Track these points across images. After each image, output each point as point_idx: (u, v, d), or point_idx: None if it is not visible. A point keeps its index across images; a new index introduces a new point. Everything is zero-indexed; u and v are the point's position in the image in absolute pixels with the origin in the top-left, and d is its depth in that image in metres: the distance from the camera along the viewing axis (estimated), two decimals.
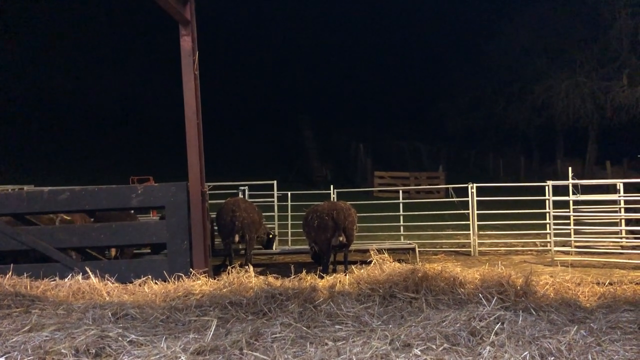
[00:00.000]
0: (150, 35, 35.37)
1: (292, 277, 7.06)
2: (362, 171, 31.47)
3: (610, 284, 7.22)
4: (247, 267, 7.41)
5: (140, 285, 7.11)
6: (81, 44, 36.52)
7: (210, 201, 9.31)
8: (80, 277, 7.16)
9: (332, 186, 14.02)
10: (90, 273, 7.24)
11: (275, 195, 13.69)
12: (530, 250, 12.58)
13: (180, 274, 7.32)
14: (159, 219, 9.93)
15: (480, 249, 12.65)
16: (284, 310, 5.57)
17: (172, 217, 8.10)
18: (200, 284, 6.71)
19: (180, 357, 4.09)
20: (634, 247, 11.35)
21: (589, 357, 3.88)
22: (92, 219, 9.86)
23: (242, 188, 13.48)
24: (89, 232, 8.48)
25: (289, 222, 13.75)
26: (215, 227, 10.56)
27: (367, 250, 8.78)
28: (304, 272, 7.47)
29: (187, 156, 8.22)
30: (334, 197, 13.51)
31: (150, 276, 7.30)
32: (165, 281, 7.19)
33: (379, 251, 7.94)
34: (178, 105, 8.65)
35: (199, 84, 8.44)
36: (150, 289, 6.86)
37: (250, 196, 13.32)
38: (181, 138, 8.57)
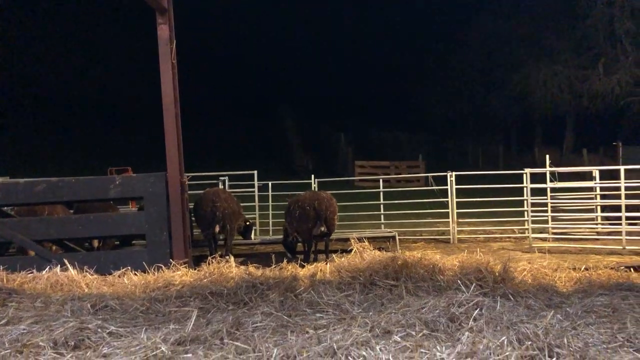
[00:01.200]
0: (128, 23, 34.83)
1: (273, 266, 7.07)
2: (343, 161, 31.52)
3: (586, 269, 7.36)
4: (227, 257, 7.39)
5: (119, 276, 7.05)
6: (56, 33, 35.80)
7: (189, 192, 9.25)
8: (58, 269, 7.07)
9: (313, 176, 14.01)
10: (68, 265, 7.16)
11: (256, 185, 13.64)
12: (509, 237, 12.74)
13: (160, 265, 7.28)
14: (138, 210, 9.85)
15: (460, 236, 12.78)
16: (265, 299, 5.58)
17: (151, 207, 8.04)
18: (180, 274, 6.69)
19: (160, 348, 4.07)
20: (609, 233, 11.55)
21: (565, 340, 3.95)
22: (71, 211, 9.74)
23: (222, 178, 13.41)
24: (67, 224, 8.37)
25: (270, 212, 13.72)
26: (193, 218, 10.50)
27: (348, 239, 8.81)
28: (285, 261, 7.48)
29: (166, 146, 8.15)
30: (315, 187, 13.52)
31: (129, 267, 7.25)
32: (145, 272, 7.15)
33: (360, 240, 7.99)
34: (156, 95, 8.55)
35: (177, 73, 8.35)
36: (130, 280, 6.82)
37: (231, 186, 13.27)
38: (160, 128, 8.48)
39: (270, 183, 13.82)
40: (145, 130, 27.49)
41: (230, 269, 6.68)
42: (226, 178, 13.47)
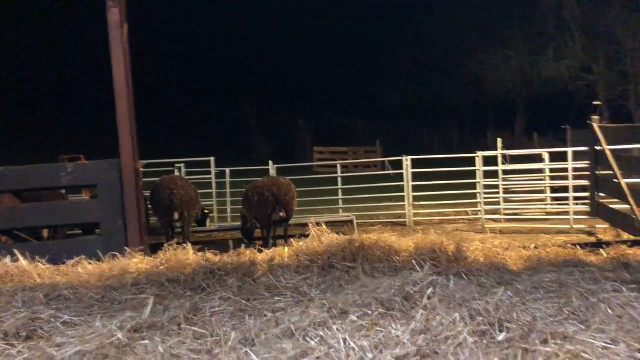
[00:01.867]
0: (77, 7, 33.65)
1: (231, 252, 7.04)
2: (302, 147, 31.55)
3: (535, 248, 7.61)
4: (185, 245, 7.32)
5: (73, 266, 6.88)
6: (5, 21, 34.33)
7: (145, 179, 9.10)
8: (8, 260, 6.85)
9: (271, 162, 13.99)
10: (19, 255, 6.95)
11: (213, 172, 13.53)
12: (463, 219, 13.08)
13: (116, 254, 7.14)
14: (91, 198, 9.63)
15: (416, 219, 13.05)
16: (222, 285, 5.57)
17: (104, 195, 7.86)
18: (136, 262, 6.58)
19: (116, 335, 4.02)
20: (558, 213, 11.99)
21: (514, 315, 4.10)
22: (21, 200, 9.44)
23: (179, 165, 13.24)
24: (16, 214, 8.11)
25: (228, 198, 13.65)
26: (150, 206, 10.34)
27: (307, 225, 8.87)
28: (243, 247, 7.46)
29: (119, 133, 7.97)
30: (273, 173, 13.50)
31: (83, 257, 7.09)
32: (99, 261, 7.00)
33: (318, 224, 8.04)
34: (109, 81, 8.33)
35: (130, 58, 8.15)
36: (84, 269, 6.66)
37: (187, 174, 13.12)
38: (113, 115, 8.27)
39: (227, 170, 13.74)
40: (97, 118, 26.77)
41: (188, 255, 6.61)
42: (182, 165, 13.31)
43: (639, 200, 8.84)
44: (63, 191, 10.48)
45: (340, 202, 14.04)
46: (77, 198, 12.00)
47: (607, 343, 3.70)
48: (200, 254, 6.80)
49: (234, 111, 37.14)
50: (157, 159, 13.48)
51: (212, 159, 13.54)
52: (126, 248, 7.39)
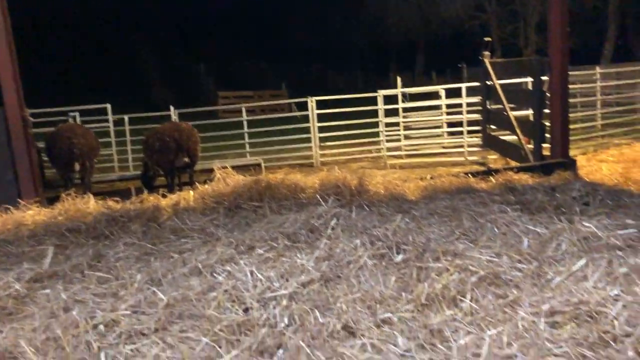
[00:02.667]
0: None
1: (134, 199, 6.88)
2: (205, 92, 30.74)
3: (431, 178, 8.04)
4: (86, 195, 7.03)
5: None
6: None
7: (37, 130, 8.55)
8: None
9: (172, 107, 13.55)
10: None
11: (111, 119, 12.93)
12: (367, 157, 13.49)
13: (8, 207, 6.75)
14: None
15: (322, 159, 13.30)
16: (126, 231, 5.47)
17: None
18: (32, 214, 6.28)
19: (14, 287, 3.89)
20: (454, 147, 12.67)
21: (410, 238, 4.39)
22: None
23: (72, 114, 12.49)
24: None
25: (129, 147, 13.16)
26: (46, 157, 9.78)
27: (213, 170, 8.78)
28: (146, 193, 7.31)
29: (0, 79, 7.37)
30: (175, 119, 13.12)
31: None
32: None
33: (224, 168, 7.98)
34: None
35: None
36: None
37: (83, 122, 12.43)
38: None
39: (126, 117, 13.17)
40: None
41: (88, 205, 6.39)
42: (77, 114, 12.57)
43: (525, 130, 9.54)
44: None
45: (247, 146, 13.98)
46: None
47: (491, 257, 4.07)
48: (100, 202, 6.59)
49: (131, 57, 35.23)
50: (49, 108, 12.63)
51: (108, 105, 12.89)
52: (19, 200, 7.00)
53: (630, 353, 2.78)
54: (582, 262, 3.67)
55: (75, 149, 9.05)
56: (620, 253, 3.87)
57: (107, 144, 12.63)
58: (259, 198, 6.34)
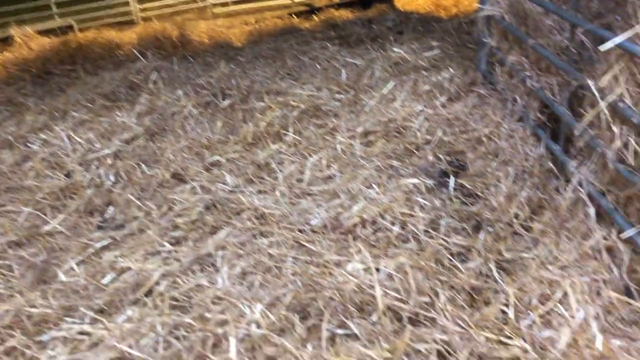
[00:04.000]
0: None
1: None
2: None
3: (256, 22, 7.90)
4: None
5: None
6: None
7: None
8: None
9: None
10: None
11: None
12: (193, 8, 12.70)
13: None
14: None
15: (143, 14, 12.25)
16: None
17: None
18: None
19: None
20: None
21: (234, 82, 4.37)
22: None
23: None
24: None
25: None
26: None
27: (10, 37, 7.70)
28: None
29: None
30: None
31: None
32: None
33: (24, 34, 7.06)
34: None
35: None
36: None
37: None
38: None
39: None
40: None
41: None
42: None
43: None
44: None
45: (54, 6, 12.36)
46: None
47: (312, 91, 4.22)
48: None
49: None
50: None
51: None
52: None
53: (430, 157, 3.18)
54: (391, 85, 3.95)
55: None
56: (425, 73, 4.22)
57: None
58: (71, 61, 5.83)
